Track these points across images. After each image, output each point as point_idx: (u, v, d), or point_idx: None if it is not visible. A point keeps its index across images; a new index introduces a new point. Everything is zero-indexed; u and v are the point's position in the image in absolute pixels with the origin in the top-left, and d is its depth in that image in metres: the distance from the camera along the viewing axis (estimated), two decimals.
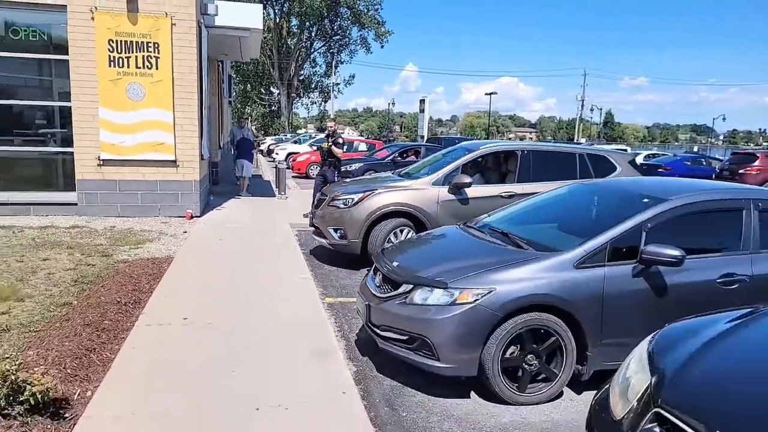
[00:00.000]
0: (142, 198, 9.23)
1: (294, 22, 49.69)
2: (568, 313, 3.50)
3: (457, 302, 3.48)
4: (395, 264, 4.07)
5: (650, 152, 24.63)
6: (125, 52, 8.71)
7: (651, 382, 1.79)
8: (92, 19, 8.55)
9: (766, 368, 1.76)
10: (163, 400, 3.17)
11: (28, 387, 2.75)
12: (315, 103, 55.59)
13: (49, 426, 2.82)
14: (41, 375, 2.86)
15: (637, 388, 1.84)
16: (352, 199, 6.85)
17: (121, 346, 3.88)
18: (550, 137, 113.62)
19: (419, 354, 3.57)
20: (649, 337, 2.10)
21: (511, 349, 3.53)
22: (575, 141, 58.13)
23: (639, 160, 20.61)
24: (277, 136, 38.92)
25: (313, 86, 53.74)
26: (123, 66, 8.72)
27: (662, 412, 1.65)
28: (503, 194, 6.84)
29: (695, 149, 59.89)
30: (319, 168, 11.25)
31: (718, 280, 3.70)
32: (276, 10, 48.38)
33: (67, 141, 9.03)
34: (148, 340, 4.00)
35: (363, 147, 22.07)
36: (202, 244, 7.42)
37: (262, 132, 51.77)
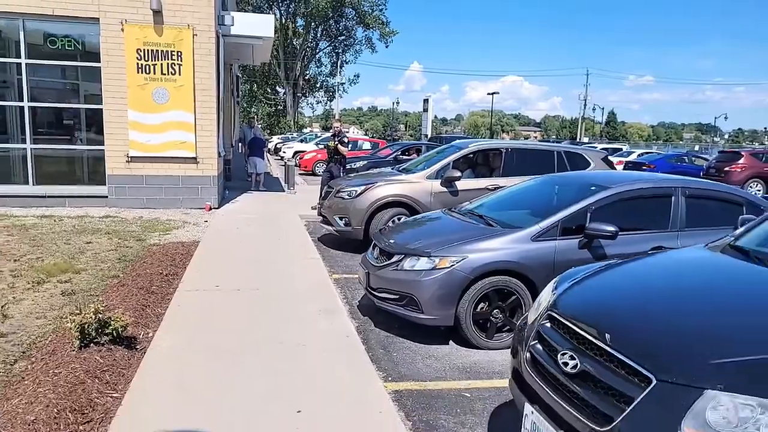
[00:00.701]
0: (165, 191, 10.19)
1: (300, 22, 50.70)
2: (526, 276, 4.40)
3: (437, 267, 4.40)
4: (391, 240, 4.99)
5: (644, 151, 25.49)
6: (151, 60, 9.67)
7: (551, 299, 2.69)
8: (122, 30, 9.52)
9: (628, 288, 2.65)
10: (208, 338, 4.10)
11: (112, 322, 3.68)
12: (320, 102, 56.56)
13: (126, 353, 3.75)
14: (121, 314, 3.79)
15: (543, 305, 2.74)
16: (356, 190, 7.77)
17: (168, 305, 4.82)
18: (554, 136, 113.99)
19: (408, 309, 4.49)
20: (558, 276, 2.99)
21: (481, 305, 4.44)
22: (578, 140, 58.83)
23: (632, 158, 21.49)
24: (283, 135, 39.87)
25: (318, 86, 54.68)
26: (150, 72, 9.68)
27: (552, 313, 2.55)
28: (489, 187, 7.72)
29: (696, 148, 60.45)
30: (325, 165, 12.18)
31: (649, 252, 4.58)
32: (282, 11, 49.40)
33: (98, 140, 10.01)
34: (189, 301, 4.94)
35: (367, 145, 23.00)
36: (223, 232, 8.36)
37: (268, 131, 52.75)
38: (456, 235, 4.71)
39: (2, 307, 4.59)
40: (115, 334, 3.72)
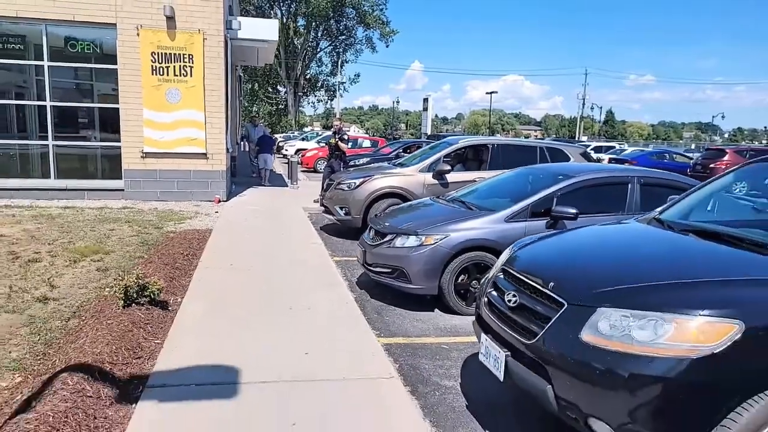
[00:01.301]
0: (177, 185, 10.92)
1: (301, 22, 51.29)
2: (500, 252, 5.08)
3: (424, 244, 5.12)
4: (386, 223, 5.71)
5: (634, 149, 26.26)
6: (165, 63, 10.39)
7: (505, 259, 3.41)
8: (138, 35, 10.24)
9: (564, 249, 3.36)
10: (228, 303, 4.83)
11: (150, 286, 4.41)
12: (321, 101, 57.18)
13: (161, 313, 4.48)
14: (155, 281, 4.51)
15: (499, 264, 3.45)
16: (355, 183, 8.49)
17: (191, 278, 5.55)
18: (554, 135, 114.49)
19: (398, 280, 5.22)
20: (514, 243, 3.70)
21: (461, 276, 5.15)
22: (577, 139, 59.50)
23: (623, 155, 22.21)
24: (285, 134, 40.57)
25: (319, 85, 55.29)
26: (163, 74, 10.41)
27: (505, 268, 3.26)
28: (477, 179, 8.42)
29: (693, 146, 61.10)
30: (327, 161, 12.90)
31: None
32: (283, 11, 50.08)
33: (115, 137, 10.73)
34: (208, 276, 5.67)
35: (367, 143, 23.80)
36: (232, 221, 9.09)
37: (270, 130, 53.29)
38: (440, 218, 5.43)
39: (48, 279, 5.32)
40: (152, 297, 4.45)
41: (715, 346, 2.21)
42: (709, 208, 3.71)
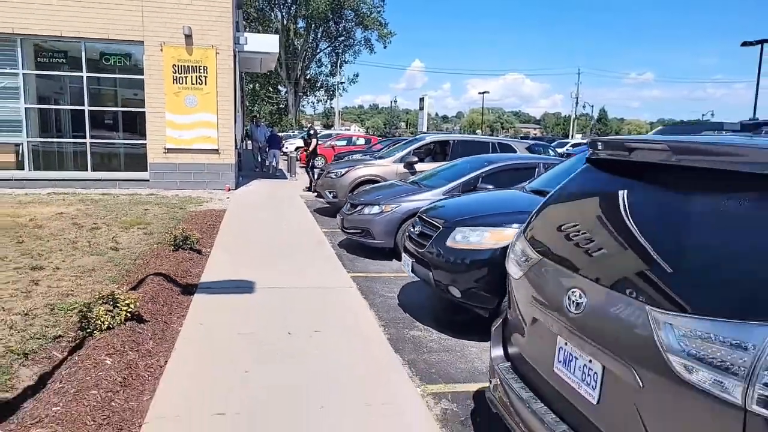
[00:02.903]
0: (194, 176, 12.92)
1: (300, 24, 53.19)
2: None
3: (384, 211, 7.12)
4: (360, 198, 7.71)
5: None
6: (184, 73, 12.39)
7: (422, 210, 5.41)
8: (161, 50, 12.23)
9: (458, 205, 5.34)
10: (245, 253, 6.83)
11: (191, 236, 6.41)
12: (321, 101, 59.12)
13: (198, 255, 6.48)
14: (195, 233, 6.51)
15: (419, 213, 5.44)
16: (341, 171, 10.48)
17: (215, 238, 7.56)
18: (551, 133, 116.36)
19: (366, 238, 7.22)
20: (429, 202, 5.69)
21: None
22: (570, 136, 61.55)
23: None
24: (285, 133, 42.55)
25: (318, 85, 57.20)
26: (182, 83, 12.41)
27: (420, 215, 5.25)
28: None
29: None
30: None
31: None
32: (283, 13, 51.99)
33: (141, 136, 12.73)
34: (228, 238, 7.68)
35: (361, 141, 25.87)
36: (242, 204, 11.09)
37: (276, 129, 55.10)
38: (398, 193, 7.44)
39: (112, 238, 7.33)
40: (191, 245, 6.45)
41: (508, 242, 4.19)
42: (558, 180, 5.68)
